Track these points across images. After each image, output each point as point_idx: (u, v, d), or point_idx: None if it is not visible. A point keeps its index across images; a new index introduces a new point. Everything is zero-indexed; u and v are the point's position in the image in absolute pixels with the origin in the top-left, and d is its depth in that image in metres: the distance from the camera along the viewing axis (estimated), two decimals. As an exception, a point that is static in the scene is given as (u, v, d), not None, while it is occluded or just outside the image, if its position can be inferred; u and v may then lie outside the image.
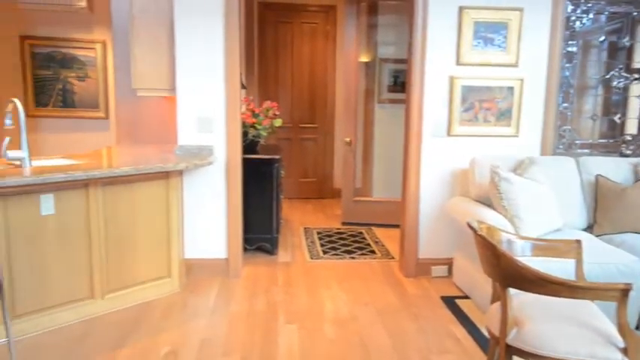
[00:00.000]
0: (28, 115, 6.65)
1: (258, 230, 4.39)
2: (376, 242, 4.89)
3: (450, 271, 3.92)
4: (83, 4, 6.30)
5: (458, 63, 3.76)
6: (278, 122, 4.56)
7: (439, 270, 3.95)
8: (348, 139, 5.48)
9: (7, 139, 2.76)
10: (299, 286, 3.73)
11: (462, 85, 3.76)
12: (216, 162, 3.77)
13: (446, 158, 3.86)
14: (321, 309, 3.32)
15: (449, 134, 3.83)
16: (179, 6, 3.60)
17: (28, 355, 2.63)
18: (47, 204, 2.78)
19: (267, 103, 4.58)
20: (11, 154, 2.73)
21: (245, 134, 4.23)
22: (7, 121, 2.80)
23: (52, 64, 6.64)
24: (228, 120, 3.72)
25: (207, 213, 3.85)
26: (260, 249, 4.49)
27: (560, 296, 1.82)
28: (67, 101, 6.68)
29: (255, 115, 4.40)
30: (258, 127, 4.39)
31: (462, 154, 3.84)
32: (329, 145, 6.92)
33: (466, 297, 3.51)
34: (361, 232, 5.23)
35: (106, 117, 6.77)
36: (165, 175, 3.39)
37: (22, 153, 2.75)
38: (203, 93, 3.71)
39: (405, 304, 3.44)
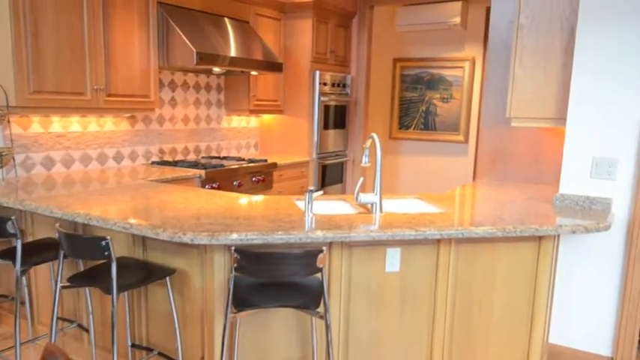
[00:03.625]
0: (390, 137, 6.80)
1: (666, 323, 2.98)
2: None
3: None
4: (457, 20, 5.95)
5: None
6: None
7: None
8: None
9: (360, 180, 2.42)
10: None
11: None
12: (613, 222, 2.64)
13: None
14: None
15: None
16: (587, 5, 2.63)
17: None
18: (393, 259, 2.30)
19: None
20: (364, 197, 2.37)
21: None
22: (365, 159, 2.46)
23: (418, 86, 6.59)
24: (644, 166, 2.53)
25: (587, 290, 2.75)
26: (664, 349, 3.06)
27: None
28: (428, 124, 6.51)
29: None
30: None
31: None
32: None
33: None
34: None
35: (465, 141, 6.28)
36: (536, 236, 2.50)
37: (375, 197, 2.36)
38: (605, 124, 2.64)
39: None
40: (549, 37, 2.93)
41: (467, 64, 6.23)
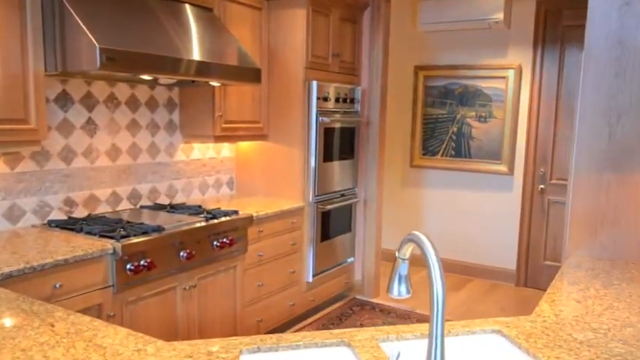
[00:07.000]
0: (412, 166, 5.38)
1: None
2: None
3: None
4: (499, 16, 4.54)
5: None
6: None
7: None
8: None
9: (396, 356, 0.97)
10: None
11: None
12: None
13: None
14: None
15: None
16: None
17: None
18: None
19: None
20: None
21: None
22: (398, 289, 1.04)
23: (448, 101, 5.17)
24: None
25: None
26: None
27: None
28: (460, 149, 5.08)
29: None
30: None
31: None
32: None
33: None
34: None
35: (510, 172, 4.83)
36: None
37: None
38: None
39: None
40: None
41: (511, 74, 4.81)
